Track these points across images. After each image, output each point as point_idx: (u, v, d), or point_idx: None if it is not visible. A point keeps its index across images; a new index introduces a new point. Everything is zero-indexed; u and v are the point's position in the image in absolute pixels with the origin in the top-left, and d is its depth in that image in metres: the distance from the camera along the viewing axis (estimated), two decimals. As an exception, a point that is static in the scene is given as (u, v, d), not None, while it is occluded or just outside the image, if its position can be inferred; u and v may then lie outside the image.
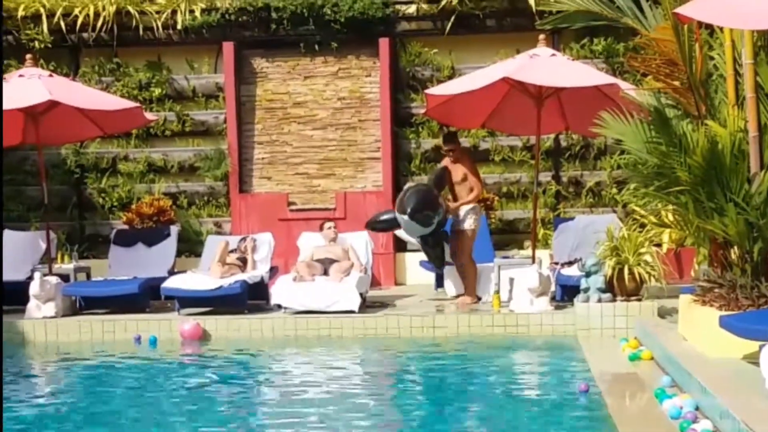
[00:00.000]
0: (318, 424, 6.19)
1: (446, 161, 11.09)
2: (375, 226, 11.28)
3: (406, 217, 10.31)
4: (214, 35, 13.71)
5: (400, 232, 11.35)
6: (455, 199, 10.93)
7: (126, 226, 12.93)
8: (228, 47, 13.58)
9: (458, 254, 10.82)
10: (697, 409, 5.63)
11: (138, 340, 9.91)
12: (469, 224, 10.78)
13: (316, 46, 13.58)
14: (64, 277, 11.19)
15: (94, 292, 10.82)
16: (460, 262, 10.86)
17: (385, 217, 11.05)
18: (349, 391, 7.26)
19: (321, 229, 11.29)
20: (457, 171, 10.91)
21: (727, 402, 5.12)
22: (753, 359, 5.97)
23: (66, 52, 14.02)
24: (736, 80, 7.54)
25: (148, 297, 10.83)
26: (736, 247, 7.34)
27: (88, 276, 11.96)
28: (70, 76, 13.59)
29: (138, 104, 12.07)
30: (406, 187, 11.10)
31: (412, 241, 11.53)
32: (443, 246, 10.91)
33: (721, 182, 7.13)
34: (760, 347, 5.52)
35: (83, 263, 12.33)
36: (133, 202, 13.66)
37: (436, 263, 11.15)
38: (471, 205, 10.84)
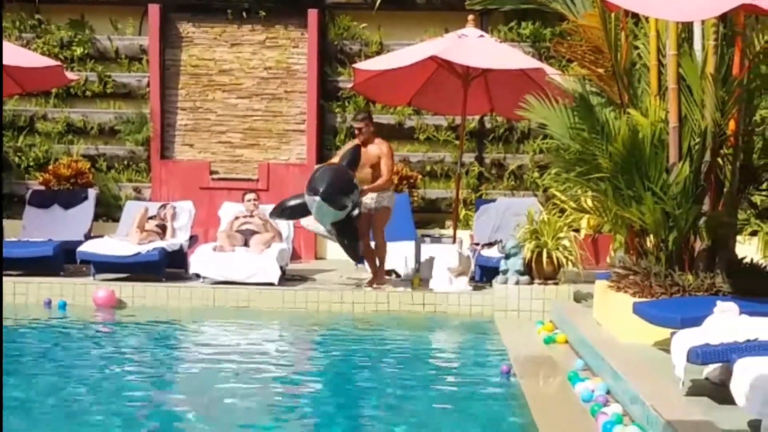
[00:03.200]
0: (225, 397, 6.18)
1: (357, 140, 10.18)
2: (282, 213, 10.14)
3: (317, 198, 9.19)
4: (140, -4, 13.45)
5: (308, 221, 10.19)
6: (361, 181, 9.88)
7: (42, 187, 12.65)
8: (153, 9, 13.32)
9: (375, 232, 10.14)
10: (608, 393, 5.75)
11: (48, 304, 9.75)
12: (383, 203, 10.04)
13: (244, 14, 13.41)
14: (-24, 237, 10.90)
15: (8, 253, 10.51)
16: (374, 242, 10.17)
17: (293, 202, 9.96)
18: (259, 366, 7.19)
19: (243, 199, 11.19)
20: (367, 153, 9.98)
21: (638, 387, 5.24)
22: (664, 346, 6.12)
23: (-15, 5, 13.62)
24: (659, 71, 7.67)
25: (62, 260, 10.62)
26: (652, 236, 7.50)
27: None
28: (-11, 30, 13.20)
29: (59, 63, 11.79)
30: (316, 167, 10.24)
31: (321, 231, 10.34)
32: (357, 236, 9.95)
33: (640, 171, 7.26)
34: (672, 334, 5.66)
35: (-5, 223, 12.03)
36: (50, 162, 13.36)
37: (351, 255, 10.19)
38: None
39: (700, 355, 4.95)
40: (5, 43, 12.09)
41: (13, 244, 10.82)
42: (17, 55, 11.19)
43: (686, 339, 5.24)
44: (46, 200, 11.94)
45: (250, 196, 11.14)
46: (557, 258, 9.35)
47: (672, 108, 7.30)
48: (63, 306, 9.69)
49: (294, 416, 5.77)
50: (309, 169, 13.02)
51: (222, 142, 13.64)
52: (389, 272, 10.91)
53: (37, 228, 11.44)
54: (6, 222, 12.44)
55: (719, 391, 5.11)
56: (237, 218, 10.96)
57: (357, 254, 10.18)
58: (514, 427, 5.55)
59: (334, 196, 9.27)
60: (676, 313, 5.99)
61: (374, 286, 9.98)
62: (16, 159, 13.61)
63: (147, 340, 8.47)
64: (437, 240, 11.15)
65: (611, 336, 7.03)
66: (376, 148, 10.00)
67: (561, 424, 5.45)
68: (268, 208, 11.21)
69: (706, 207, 7.30)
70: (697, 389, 5.23)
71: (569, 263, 9.44)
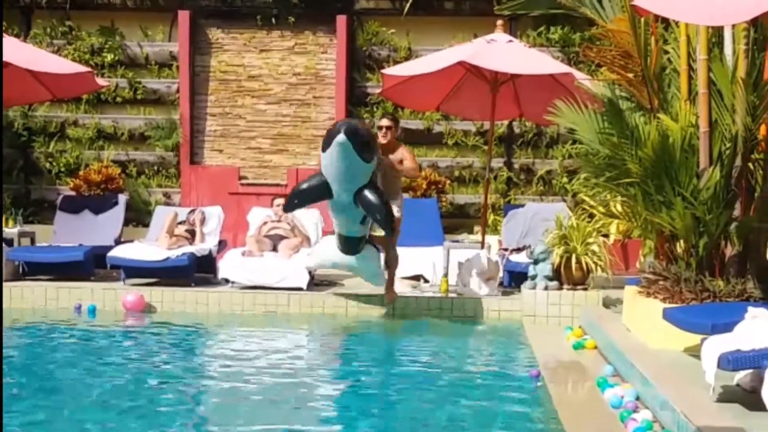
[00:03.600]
0: (254, 399, 6.20)
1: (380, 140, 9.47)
2: (296, 198, 9.15)
3: (341, 137, 8.10)
4: (169, 3, 13.56)
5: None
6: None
7: (73, 193, 12.76)
8: (183, 15, 13.43)
9: (385, 246, 9.65)
10: (638, 399, 5.72)
11: (78, 309, 9.81)
12: (396, 211, 9.31)
13: (273, 20, 13.48)
14: (8, 242, 11.03)
15: (39, 258, 10.67)
16: (387, 253, 9.65)
17: (306, 184, 9.03)
18: (288, 369, 7.22)
19: (271, 204, 11.23)
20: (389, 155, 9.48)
21: (668, 393, 5.20)
22: (694, 352, 6.07)
23: (18, 12, 13.77)
24: (689, 75, 7.62)
25: (93, 265, 10.69)
26: (682, 241, 7.44)
27: (33, 241, 11.78)
28: (21, 37, 13.33)
29: (90, 69, 11.88)
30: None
31: (329, 259, 9.52)
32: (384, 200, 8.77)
33: (670, 176, 7.21)
34: (702, 340, 5.61)
35: (28, 228, 12.15)
36: (81, 168, 13.48)
37: (387, 228, 8.94)
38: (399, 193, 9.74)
39: (731, 362, 4.91)
40: (36, 50, 12.21)
41: (44, 249, 10.92)
42: (49, 62, 11.29)
43: (717, 345, 5.21)
44: (76, 206, 12.02)
45: (279, 201, 11.16)
46: (586, 263, 9.31)
47: (702, 113, 7.25)
48: (93, 310, 9.76)
49: (321, 420, 5.78)
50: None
51: (251, 148, 13.71)
52: (417, 277, 10.92)
53: (68, 233, 11.51)
54: (37, 227, 12.54)
55: (750, 398, 5.07)
56: (265, 223, 11.00)
57: (392, 220, 8.88)
58: None
59: (358, 136, 8.23)
60: (706, 319, 5.95)
61: (385, 302, 9.69)
62: (47, 165, 13.74)
63: (175, 344, 8.49)
64: (465, 246, 11.11)
65: (641, 342, 6.99)
66: (399, 154, 9.56)
67: (590, 430, 5.42)
68: (296, 213, 11.23)
69: (736, 212, 7.24)
70: (727, 396, 5.19)
71: (598, 268, 9.40)
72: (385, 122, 9.69)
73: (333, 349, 8.67)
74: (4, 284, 10.12)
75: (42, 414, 5.65)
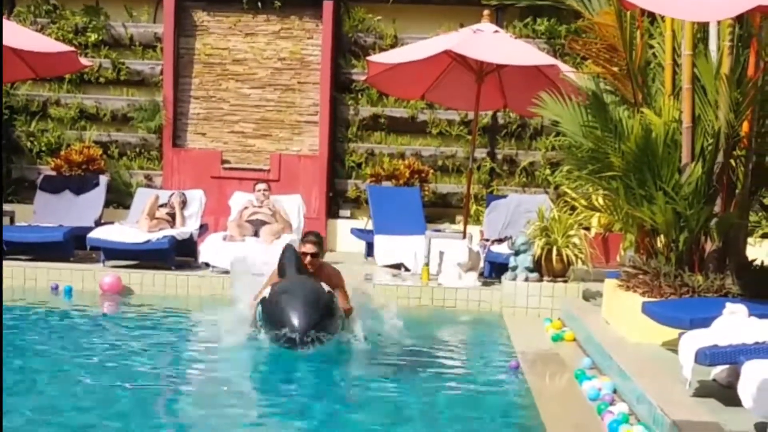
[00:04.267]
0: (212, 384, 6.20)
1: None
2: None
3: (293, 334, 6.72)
4: (155, -16, 13.47)
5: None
6: None
7: (54, 173, 12.66)
8: (169, -3, 13.34)
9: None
10: (615, 392, 5.75)
11: (55, 289, 9.77)
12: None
13: (259, 4, 13.39)
14: (-13, 221, 10.94)
15: (18, 237, 10.57)
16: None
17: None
18: (257, 357, 7.14)
19: (253, 189, 11.19)
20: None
21: (645, 386, 5.23)
22: (672, 346, 6.11)
23: (1, -11, 13.64)
24: (673, 70, 7.66)
25: (72, 246, 10.63)
26: (662, 236, 7.48)
27: (12, 220, 11.72)
28: (5, 15, 13.21)
29: (73, 48, 11.79)
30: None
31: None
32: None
33: (652, 170, 7.24)
34: (680, 335, 5.65)
35: (8, 207, 12.08)
36: (62, 148, 13.39)
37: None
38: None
39: (708, 356, 4.94)
40: (20, 27, 12.12)
41: (23, 229, 10.85)
42: (31, 40, 11.20)
43: (694, 340, 5.23)
44: (57, 186, 11.96)
45: (261, 186, 11.13)
46: (567, 255, 9.34)
47: (686, 108, 7.28)
48: (69, 291, 9.71)
49: (283, 414, 5.74)
50: (320, 160, 13.09)
51: (234, 132, 13.64)
52: (398, 266, 10.92)
53: (48, 213, 11.46)
54: (17, 206, 12.47)
55: (726, 393, 5.10)
56: (247, 208, 10.97)
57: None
58: (521, 423, 5.54)
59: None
60: (685, 314, 5.98)
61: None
62: (29, 144, 13.64)
63: (151, 327, 8.42)
64: (447, 235, 11.12)
65: (619, 335, 7.02)
66: (327, 278, 7.63)
67: (567, 422, 5.45)
68: (278, 198, 11.22)
69: (717, 208, 7.28)
70: (704, 390, 5.22)
71: (579, 261, 9.44)
72: (309, 248, 7.67)
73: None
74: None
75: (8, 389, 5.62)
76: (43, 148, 13.58)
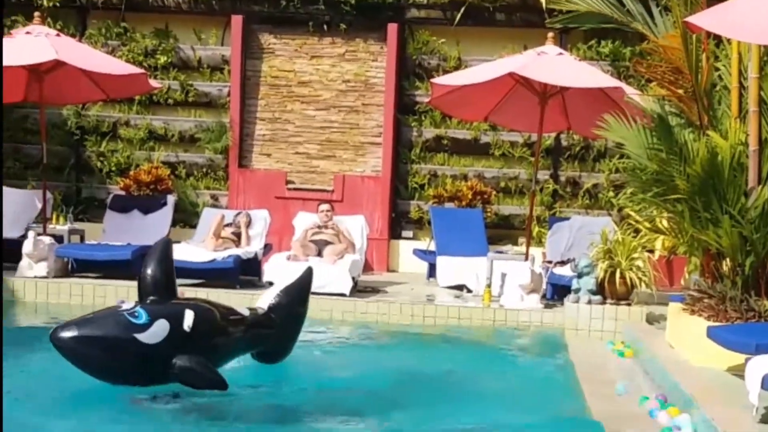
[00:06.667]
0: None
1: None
2: None
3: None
4: (223, 7, 13.69)
5: None
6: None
7: (123, 192, 12.93)
8: (236, 20, 13.55)
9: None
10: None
11: (122, 303, 9.89)
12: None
13: (325, 26, 13.56)
14: (58, 238, 11.22)
15: (88, 255, 10.83)
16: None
17: None
18: (325, 377, 7.17)
19: (317, 210, 11.31)
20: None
21: (710, 412, 5.18)
22: (738, 371, 6.03)
23: (74, 12, 13.96)
24: (740, 93, 7.60)
25: (140, 264, 10.78)
26: (728, 259, 7.41)
27: (82, 239, 11.99)
28: (77, 37, 13.54)
29: (143, 70, 12.05)
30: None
31: None
32: None
33: (718, 193, 7.19)
34: (746, 360, 5.58)
35: (78, 225, 12.36)
36: (131, 168, 13.66)
37: None
38: None
39: (775, 382, 4.89)
40: (92, 50, 12.41)
41: (93, 247, 11.10)
42: (103, 62, 11.48)
43: (761, 365, 5.18)
44: (126, 205, 12.20)
45: (324, 206, 11.25)
46: (630, 278, 9.27)
47: (752, 131, 7.22)
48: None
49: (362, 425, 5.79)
50: (383, 181, 13.17)
51: (299, 153, 13.79)
52: (460, 287, 10.93)
53: (117, 232, 11.68)
54: (87, 225, 12.75)
55: (793, 420, 5.03)
56: (311, 228, 11.08)
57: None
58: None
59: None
60: (751, 339, 5.91)
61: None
62: (99, 164, 13.94)
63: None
64: (509, 257, 11.10)
65: (684, 359, 6.95)
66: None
67: None
68: (341, 219, 11.32)
69: (784, 232, 7.18)
70: (770, 417, 5.16)
71: (642, 284, 9.35)
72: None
73: (375, 355, 8.64)
74: (53, 280, 10.33)
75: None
76: (113, 168, 13.86)
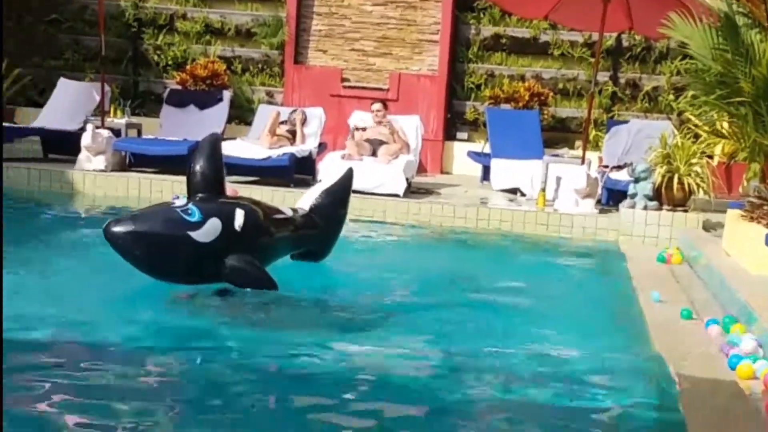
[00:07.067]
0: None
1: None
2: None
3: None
4: None
5: None
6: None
7: (179, 87, 12.95)
8: None
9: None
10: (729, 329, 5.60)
11: (176, 199, 10.01)
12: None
13: None
14: (116, 132, 11.32)
15: (145, 150, 10.91)
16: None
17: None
18: (375, 278, 7.04)
19: (371, 108, 11.24)
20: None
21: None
22: (796, 281, 5.95)
23: None
24: (813, -5, 7.33)
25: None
26: (790, 166, 7.25)
27: (139, 133, 12.08)
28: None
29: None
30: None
31: None
32: None
33: (784, 99, 7.00)
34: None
35: (135, 119, 12.45)
36: (188, 62, 13.66)
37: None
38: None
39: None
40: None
41: (150, 142, 11.19)
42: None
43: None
44: (182, 100, 12.23)
45: (376, 105, 11.14)
46: (689, 184, 9.13)
47: (824, 35, 6.98)
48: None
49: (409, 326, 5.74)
50: (440, 80, 13.01)
51: (355, 50, 13.66)
52: (514, 190, 10.87)
53: (174, 127, 11.74)
54: (144, 119, 12.83)
55: None
56: (366, 128, 11.03)
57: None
58: (642, 352, 5.36)
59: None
60: (811, 248, 5.82)
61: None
62: (155, 57, 13.95)
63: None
64: (565, 161, 10.99)
65: (741, 267, 6.87)
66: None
67: (686, 352, 5.31)
68: (396, 118, 11.25)
69: None
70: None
71: (700, 190, 9.21)
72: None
73: (427, 255, 8.60)
74: (111, 174, 10.44)
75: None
76: (170, 62, 13.88)
